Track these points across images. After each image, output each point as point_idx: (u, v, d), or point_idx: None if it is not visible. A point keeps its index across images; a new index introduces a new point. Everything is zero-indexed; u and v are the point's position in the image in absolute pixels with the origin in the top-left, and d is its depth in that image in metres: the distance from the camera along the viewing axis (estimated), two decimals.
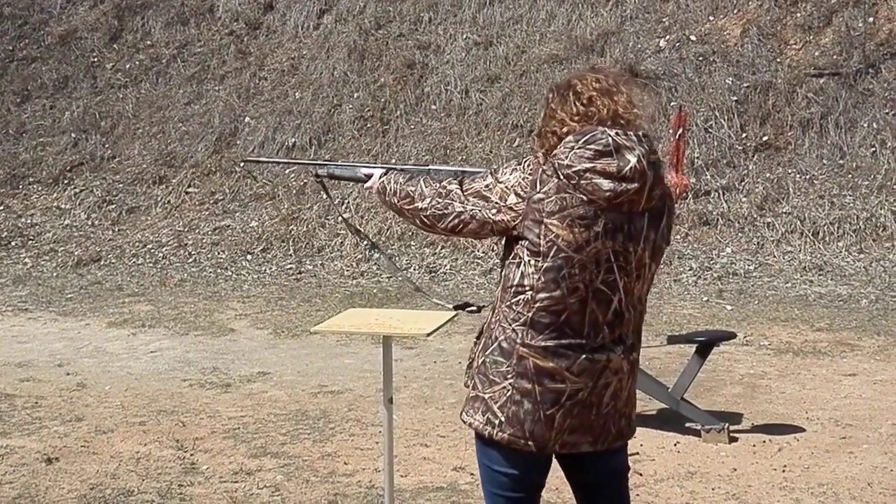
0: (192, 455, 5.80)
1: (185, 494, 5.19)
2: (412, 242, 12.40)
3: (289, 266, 12.25)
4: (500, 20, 15.07)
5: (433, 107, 14.36)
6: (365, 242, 3.78)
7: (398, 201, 3.09)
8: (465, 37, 15.04)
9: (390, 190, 3.13)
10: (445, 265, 12.00)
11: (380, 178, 3.22)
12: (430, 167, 3.33)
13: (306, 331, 9.29)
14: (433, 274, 11.81)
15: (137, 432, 6.27)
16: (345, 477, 5.44)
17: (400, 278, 3.76)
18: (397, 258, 12.01)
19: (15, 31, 16.82)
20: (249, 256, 12.56)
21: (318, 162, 3.66)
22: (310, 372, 7.82)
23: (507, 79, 14.33)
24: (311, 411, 6.71)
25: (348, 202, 12.90)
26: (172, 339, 9.12)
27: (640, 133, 2.84)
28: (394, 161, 13.59)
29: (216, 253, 12.75)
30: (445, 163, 13.35)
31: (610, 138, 2.77)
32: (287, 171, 13.96)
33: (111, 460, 5.75)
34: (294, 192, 13.46)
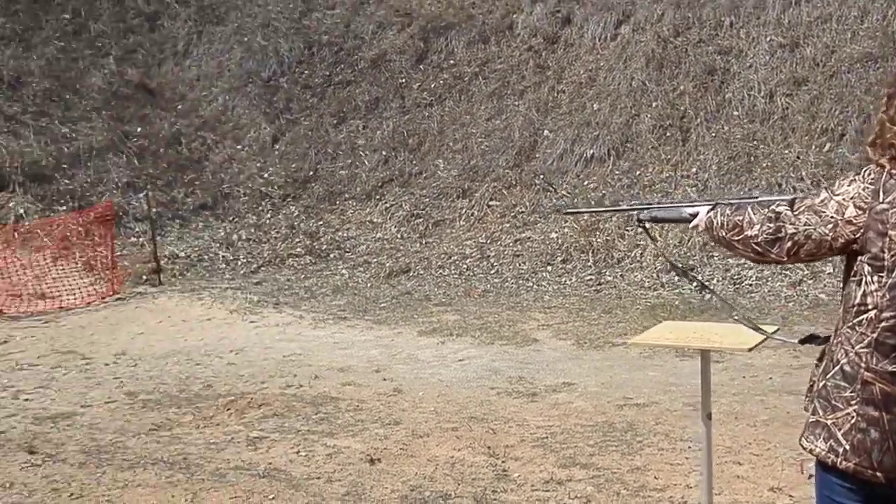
0: (503, 462, 5.96)
1: (499, 501, 5.33)
2: (715, 253, 12.07)
3: (589, 277, 12.31)
4: (806, 20, 14.38)
5: (735, 113, 13.94)
6: (694, 284, 3.69)
7: (727, 234, 2.96)
8: (769, 39, 14.49)
9: (718, 223, 3.01)
10: (750, 276, 11.59)
11: (707, 213, 3.14)
12: (760, 198, 3.14)
13: (609, 342, 9.32)
14: (737, 286, 11.45)
15: (451, 437, 6.52)
16: (656, 492, 5.38)
17: (736, 317, 3.58)
18: (699, 270, 11.75)
19: (332, 58, 18.07)
20: (550, 268, 12.74)
21: (640, 206, 3.49)
22: (614, 383, 7.81)
23: (816, 81, 13.64)
24: (617, 423, 6.69)
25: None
26: (479, 347, 9.42)
27: None
28: (694, 170, 13.34)
29: (517, 264, 13.04)
30: (749, 171, 12.93)
31: None
32: (585, 183, 14.06)
33: (428, 464, 6.01)
34: (593, 203, 13.51)
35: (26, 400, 8.07)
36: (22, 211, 14.87)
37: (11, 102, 17.09)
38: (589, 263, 12.59)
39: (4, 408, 7.81)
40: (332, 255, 14.40)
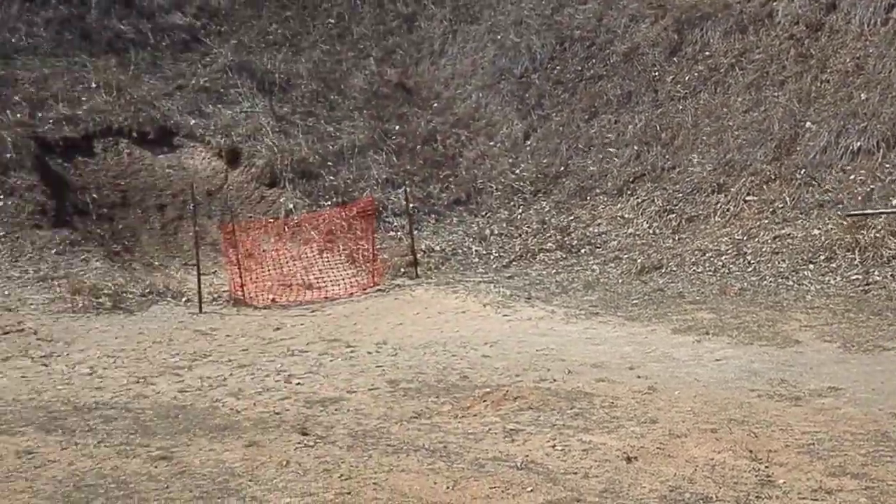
0: (767, 468, 5.76)
1: None
2: None
3: (855, 276, 11.64)
4: None
5: None
6: None
7: None
8: None
9: None
10: None
11: None
12: None
13: (879, 346, 8.80)
14: None
15: (710, 439, 6.36)
16: None
17: None
18: None
19: (584, 52, 18.04)
20: (812, 266, 12.15)
21: None
22: (886, 390, 7.36)
23: None
24: (891, 433, 6.31)
25: None
26: (736, 348, 9.14)
27: None
28: None
29: (776, 262, 12.53)
30: None
31: None
32: (851, 178, 13.31)
33: (686, 464, 5.90)
34: (860, 198, 12.78)
35: (298, 384, 8.60)
36: (291, 206, 15.84)
37: (282, 104, 18.21)
38: (856, 262, 11.90)
39: (279, 391, 8.35)
40: (582, 251, 14.40)
